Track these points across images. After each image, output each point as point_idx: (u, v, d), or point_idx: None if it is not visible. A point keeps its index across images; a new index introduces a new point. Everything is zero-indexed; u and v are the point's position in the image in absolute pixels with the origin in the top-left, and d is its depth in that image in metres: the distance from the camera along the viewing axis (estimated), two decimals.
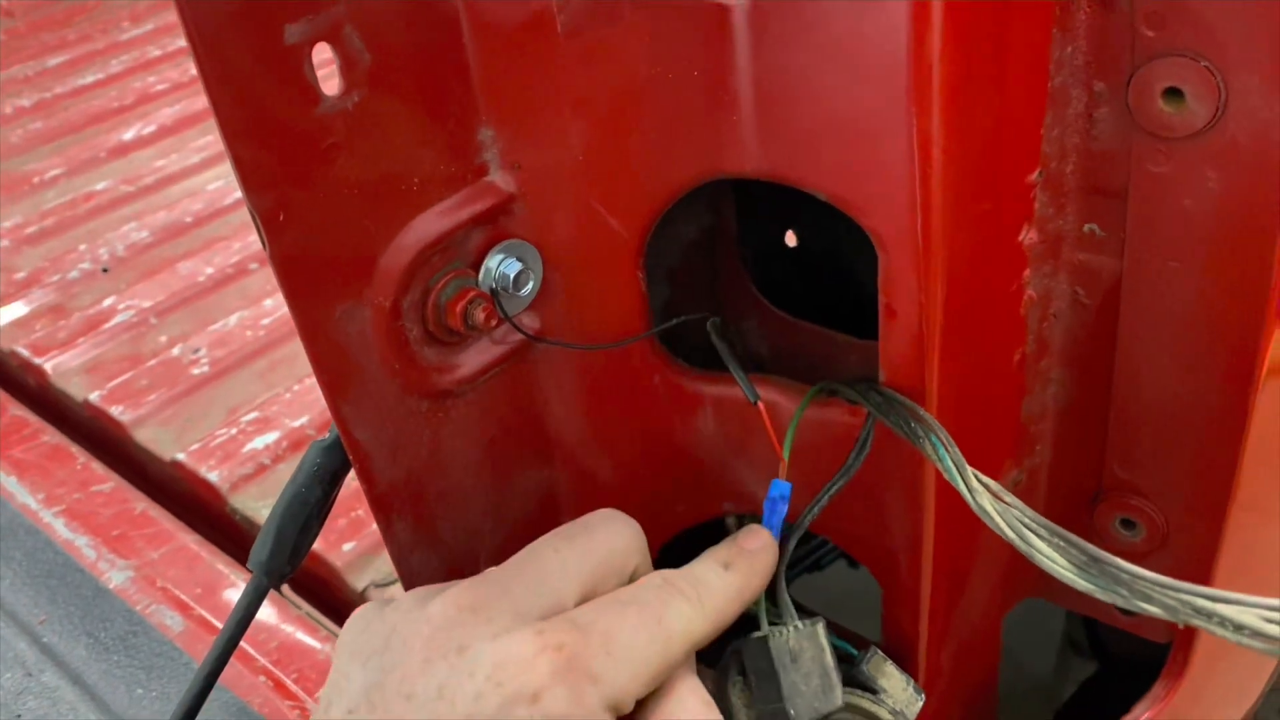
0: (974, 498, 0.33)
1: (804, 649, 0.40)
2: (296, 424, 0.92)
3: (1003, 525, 0.31)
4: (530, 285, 0.40)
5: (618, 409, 0.44)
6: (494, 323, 0.38)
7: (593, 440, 0.45)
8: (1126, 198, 0.41)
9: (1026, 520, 0.31)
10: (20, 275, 1.19)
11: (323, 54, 0.33)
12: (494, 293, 0.39)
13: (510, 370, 0.41)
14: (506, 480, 0.43)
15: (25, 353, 1.05)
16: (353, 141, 0.34)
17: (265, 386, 0.95)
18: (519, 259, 0.39)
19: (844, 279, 0.56)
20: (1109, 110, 0.40)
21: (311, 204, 0.34)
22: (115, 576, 0.74)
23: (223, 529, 0.84)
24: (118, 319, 1.09)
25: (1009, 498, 0.32)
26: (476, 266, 0.39)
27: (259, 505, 0.84)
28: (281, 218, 0.33)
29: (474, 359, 0.40)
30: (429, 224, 0.37)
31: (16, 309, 1.13)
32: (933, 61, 0.33)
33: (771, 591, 0.40)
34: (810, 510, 0.40)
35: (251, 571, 0.40)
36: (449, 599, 0.36)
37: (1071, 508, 0.50)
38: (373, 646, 0.36)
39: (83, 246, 1.22)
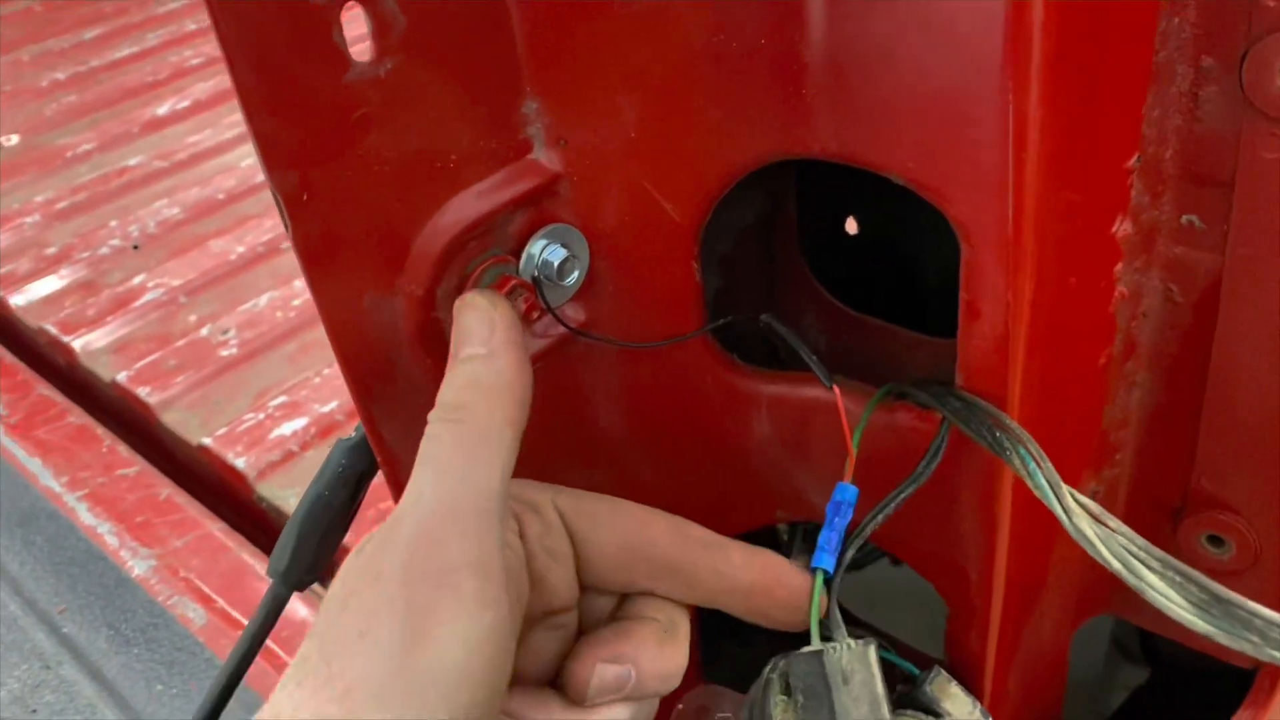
0: (1072, 520, 0.29)
1: (855, 670, 0.37)
2: (325, 409, 0.89)
3: (1106, 554, 0.28)
4: (575, 274, 0.36)
5: (666, 408, 0.41)
6: (536, 315, 0.35)
7: (639, 441, 0.42)
8: (1232, 187, 0.37)
9: (1135, 549, 0.27)
10: (51, 251, 1.17)
11: (354, 14, 0.30)
12: (536, 281, 0.36)
13: (551, 365, 0.38)
14: (547, 481, 0.40)
15: (54, 330, 1.03)
16: (385, 113, 0.31)
17: (295, 370, 0.93)
18: (564, 245, 0.36)
19: (908, 270, 0.52)
20: (1218, 89, 0.36)
21: (339, 182, 0.31)
22: (138, 565, 0.72)
23: (249, 517, 0.82)
24: (147, 297, 1.07)
25: (1113, 521, 0.29)
26: (517, 253, 0.36)
27: (286, 494, 0.82)
28: (306, 197, 0.30)
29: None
30: (467, 205, 0.34)
31: (47, 285, 1.12)
32: (1033, 31, 0.30)
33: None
34: (873, 518, 0.37)
35: (270, 580, 0.37)
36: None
37: (1153, 522, 0.46)
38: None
39: (114, 223, 1.21)
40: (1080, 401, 0.41)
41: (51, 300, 1.09)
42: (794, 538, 0.52)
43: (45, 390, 0.93)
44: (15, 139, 1.44)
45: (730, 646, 0.55)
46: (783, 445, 0.43)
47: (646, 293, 0.38)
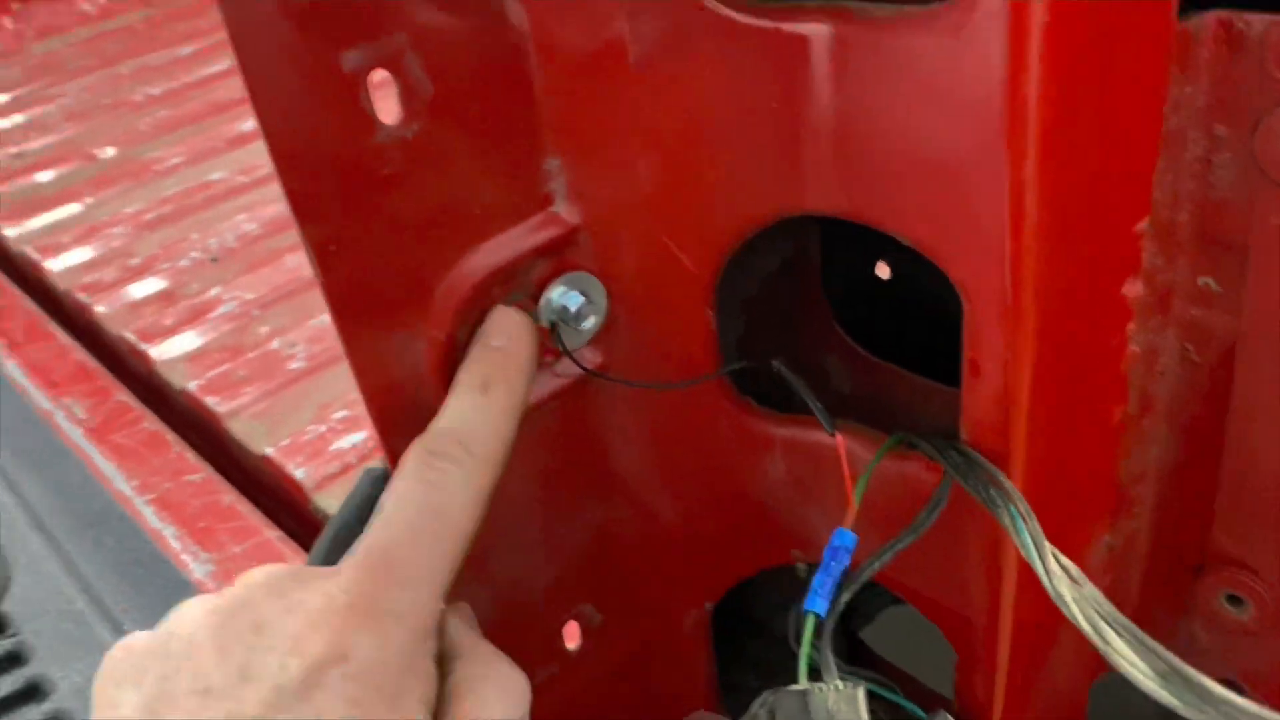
0: (1050, 580, 0.30)
1: (841, 712, 0.38)
2: None
3: (1079, 616, 0.29)
4: (592, 320, 0.38)
5: (682, 448, 0.43)
6: (550, 357, 0.37)
7: (655, 479, 0.43)
8: (1247, 251, 0.38)
9: (1105, 613, 0.28)
10: (135, 261, 1.23)
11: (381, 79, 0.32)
12: (553, 326, 0.37)
13: (569, 404, 0.40)
14: (562, 517, 0.42)
15: (133, 338, 1.08)
16: (411, 172, 0.33)
17: (356, 386, 0.96)
18: (582, 292, 0.38)
19: (941, 317, 0.53)
20: (1231, 156, 0.37)
21: (366, 235, 0.33)
22: (197, 569, 0.75)
23: (306, 526, 0.85)
24: (222, 309, 1.12)
25: (1088, 588, 0.29)
26: (537, 298, 0.37)
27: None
28: (334, 249, 0.32)
29: (531, 392, 0.38)
30: (489, 255, 0.36)
31: (129, 294, 1.17)
32: (1029, 104, 0.31)
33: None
34: (870, 565, 0.38)
35: None
36: (238, 585, 0.33)
37: (1172, 578, 0.46)
38: (143, 665, 0.33)
39: (195, 235, 1.26)
40: (1093, 456, 0.42)
41: (133, 309, 1.14)
42: (811, 578, 0.53)
43: (123, 396, 0.97)
44: (111, 151, 1.51)
45: (755, 646, 0.56)
46: (796, 487, 0.44)
47: (662, 338, 0.40)
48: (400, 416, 0.36)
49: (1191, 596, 0.46)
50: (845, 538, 0.38)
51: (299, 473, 0.87)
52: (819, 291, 0.49)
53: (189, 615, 0.34)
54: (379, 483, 0.40)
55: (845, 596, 0.37)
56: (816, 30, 0.33)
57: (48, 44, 1.88)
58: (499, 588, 0.41)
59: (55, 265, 1.24)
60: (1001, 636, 0.42)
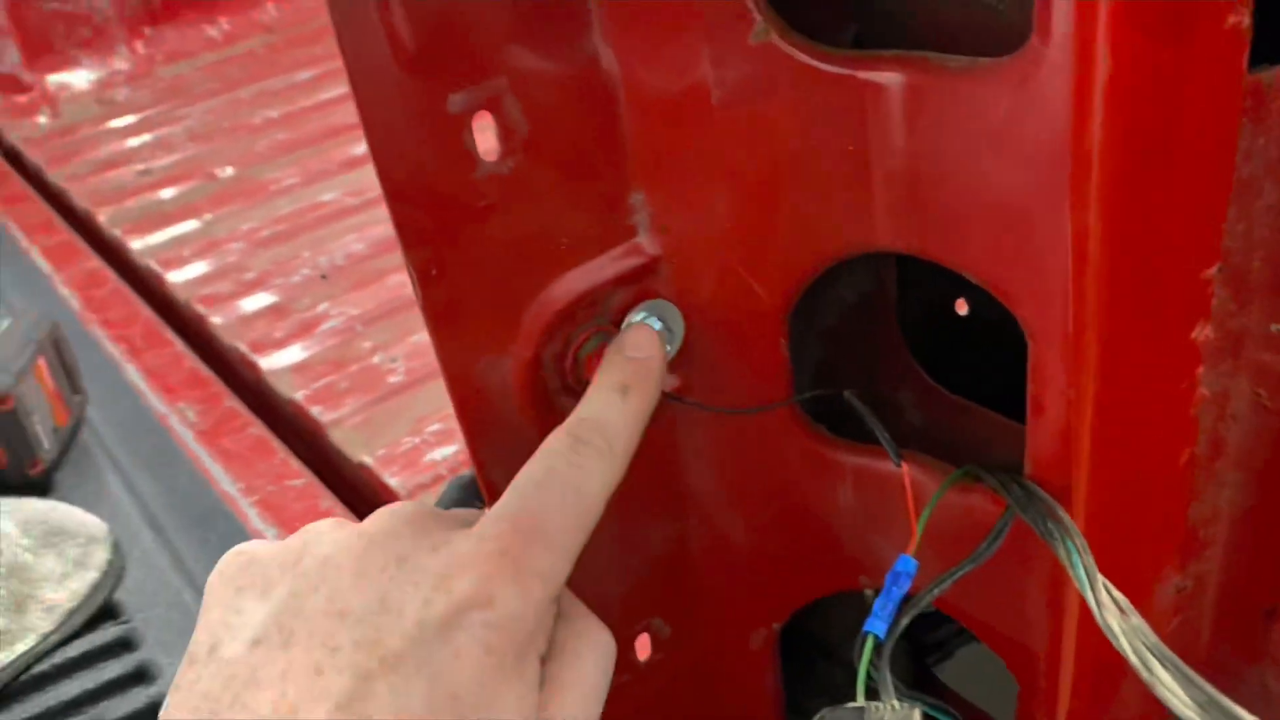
0: (1100, 612, 0.31)
1: None
2: None
3: (1126, 648, 0.30)
4: (670, 345, 0.40)
5: (754, 472, 0.44)
6: None
7: (727, 501, 0.45)
8: None
9: (1150, 644, 0.29)
10: (249, 276, 1.29)
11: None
12: None
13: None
14: (636, 531, 0.44)
15: (245, 349, 1.14)
16: (506, 204, 0.36)
17: (449, 401, 1.00)
18: (660, 318, 0.40)
19: (1016, 353, 0.54)
20: None
21: (463, 261, 0.36)
22: None
23: None
24: (328, 324, 1.17)
25: (1136, 619, 0.30)
26: (619, 323, 0.40)
27: None
28: (434, 272, 0.35)
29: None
30: (575, 281, 0.38)
31: (242, 307, 1.23)
32: (1093, 152, 0.32)
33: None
34: (929, 592, 0.39)
35: None
36: (378, 517, 0.34)
37: (1246, 620, 0.46)
38: (271, 576, 0.33)
39: (306, 253, 1.32)
40: (1160, 497, 0.42)
41: (245, 321, 1.20)
42: None
43: (232, 403, 1.03)
44: (230, 171, 1.59)
45: (826, 671, 0.57)
46: (864, 515, 0.45)
47: (736, 364, 0.42)
48: (487, 427, 0.39)
49: (1264, 642, 0.46)
50: (907, 563, 0.39)
51: (394, 481, 0.91)
52: (894, 325, 0.50)
53: (326, 537, 0.34)
54: (464, 490, 0.42)
55: (905, 620, 0.38)
56: (891, 78, 0.35)
57: (175, 68, 1.99)
58: (579, 595, 0.43)
59: (175, 277, 1.32)
60: (1064, 670, 0.43)
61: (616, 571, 0.44)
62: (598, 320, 0.39)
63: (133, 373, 1.09)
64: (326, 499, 0.88)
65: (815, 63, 0.35)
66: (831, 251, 0.39)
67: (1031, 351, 0.36)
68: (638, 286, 0.40)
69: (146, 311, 1.21)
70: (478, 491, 0.41)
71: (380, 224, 1.35)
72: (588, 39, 0.36)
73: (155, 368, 1.09)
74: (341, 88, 1.79)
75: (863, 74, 0.35)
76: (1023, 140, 0.33)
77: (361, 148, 1.59)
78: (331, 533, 0.34)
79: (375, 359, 1.11)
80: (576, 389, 0.40)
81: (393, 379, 1.07)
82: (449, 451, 0.95)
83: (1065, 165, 0.32)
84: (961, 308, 0.55)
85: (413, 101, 0.33)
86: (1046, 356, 0.36)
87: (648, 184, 0.38)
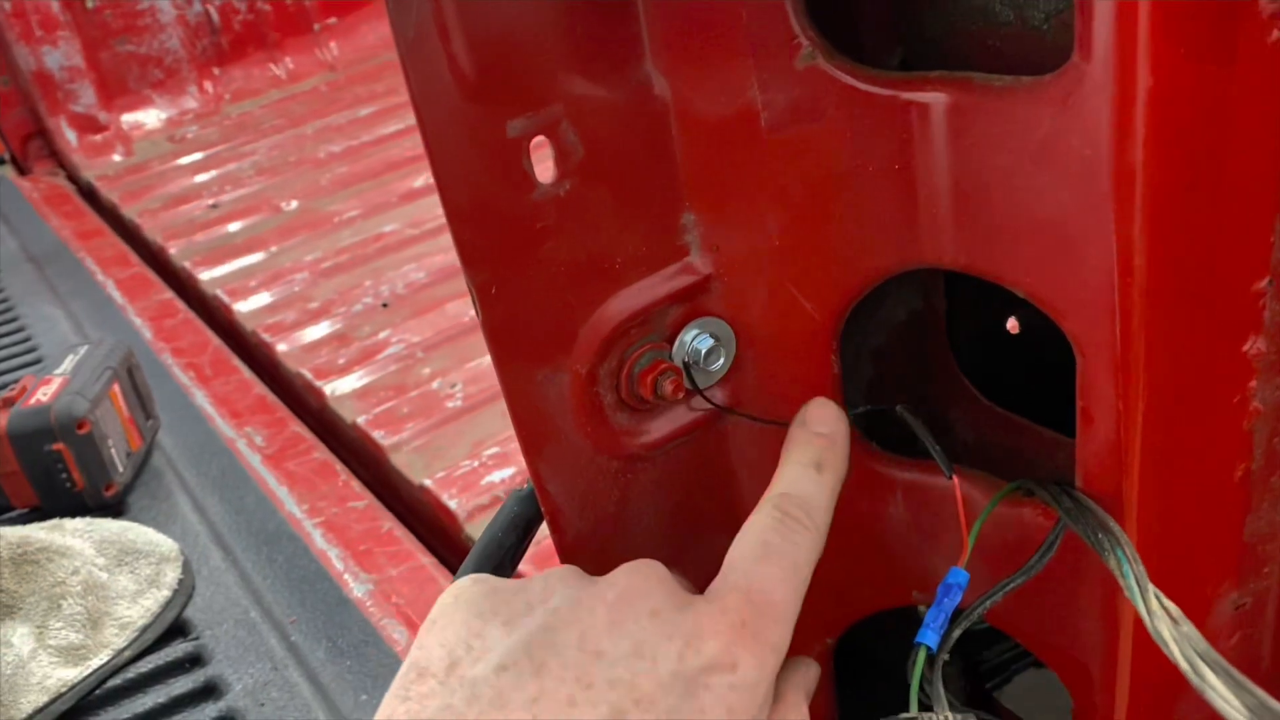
0: (1151, 620, 0.31)
1: None
2: None
3: (1177, 655, 0.30)
4: (721, 361, 0.41)
5: None
6: (680, 394, 0.40)
7: None
8: None
9: (1201, 651, 0.29)
10: (314, 305, 1.33)
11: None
12: (685, 366, 0.41)
13: (699, 439, 0.43)
14: (690, 544, 0.45)
15: (309, 375, 1.17)
16: (563, 225, 0.37)
17: (506, 425, 1.00)
18: (712, 335, 0.41)
19: (1065, 370, 0.54)
20: None
21: (521, 280, 0.37)
22: (357, 588, 0.81)
23: (457, 553, 0.91)
24: (390, 351, 1.20)
25: (1187, 626, 0.31)
26: (672, 340, 0.41)
27: None
28: (494, 291, 0.37)
29: (663, 426, 0.42)
30: (629, 300, 0.39)
31: (308, 335, 1.27)
32: (1135, 168, 0.32)
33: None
34: (980, 604, 0.39)
35: None
36: (627, 571, 0.36)
37: None
38: (514, 608, 0.35)
39: (368, 282, 1.35)
40: (1213, 512, 0.42)
41: (310, 348, 1.24)
42: None
43: (297, 427, 1.06)
44: (295, 204, 1.64)
45: (883, 690, 0.57)
46: (916, 529, 0.46)
47: (787, 379, 0.43)
48: (544, 441, 0.40)
49: None
50: (959, 576, 0.40)
51: (453, 503, 0.93)
52: (944, 343, 0.51)
53: (573, 581, 0.37)
54: (523, 503, 0.44)
55: (957, 631, 0.39)
56: (936, 98, 0.36)
57: (242, 105, 2.05)
58: None
59: (242, 307, 1.36)
60: (1119, 685, 0.42)
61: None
62: (651, 337, 0.41)
63: (202, 399, 1.12)
64: (387, 521, 0.90)
65: (861, 84, 0.36)
66: (880, 268, 0.40)
67: (1079, 365, 0.37)
68: (690, 304, 0.41)
69: (215, 340, 1.25)
70: (536, 504, 0.42)
71: (439, 253, 1.38)
72: (640, 66, 0.37)
73: (223, 394, 1.13)
74: (400, 122, 1.84)
75: (907, 94, 0.36)
76: (1066, 156, 0.34)
77: (420, 180, 1.63)
78: (578, 578, 0.37)
79: (434, 385, 1.13)
80: (630, 404, 0.41)
81: (451, 404, 1.10)
82: (506, 474, 0.96)
83: (1108, 180, 0.33)
84: (1014, 328, 0.56)
85: (473, 127, 0.34)
86: (1094, 369, 0.36)
87: (699, 205, 0.40)
